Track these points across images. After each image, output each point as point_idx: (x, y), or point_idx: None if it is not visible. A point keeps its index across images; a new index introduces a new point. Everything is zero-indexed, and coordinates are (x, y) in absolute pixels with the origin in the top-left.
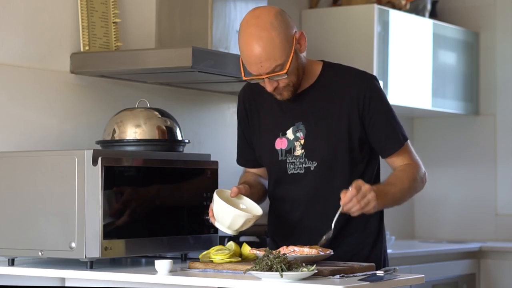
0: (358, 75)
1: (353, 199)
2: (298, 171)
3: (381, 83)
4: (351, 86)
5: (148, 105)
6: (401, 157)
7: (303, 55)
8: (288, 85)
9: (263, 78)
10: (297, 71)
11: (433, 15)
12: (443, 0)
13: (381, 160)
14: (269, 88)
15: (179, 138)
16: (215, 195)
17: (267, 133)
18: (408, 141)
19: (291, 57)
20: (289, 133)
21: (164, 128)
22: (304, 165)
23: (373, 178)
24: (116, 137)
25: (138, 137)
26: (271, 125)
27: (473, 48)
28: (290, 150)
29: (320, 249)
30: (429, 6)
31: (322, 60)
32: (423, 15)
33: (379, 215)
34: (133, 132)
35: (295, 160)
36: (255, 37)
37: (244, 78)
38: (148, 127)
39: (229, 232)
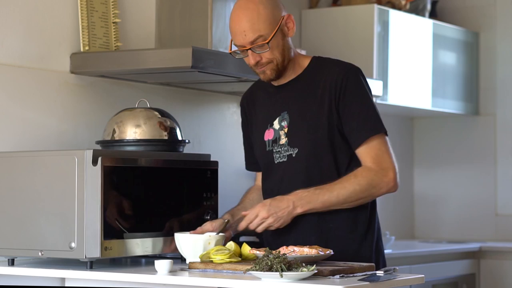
0: (340, 66)
1: (252, 223)
2: (283, 159)
3: (380, 83)
4: (331, 76)
5: (148, 105)
6: (367, 154)
7: (291, 42)
8: (271, 62)
9: (247, 49)
10: (283, 50)
11: (433, 15)
12: (443, 0)
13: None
14: (252, 61)
15: (179, 138)
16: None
17: (259, 127)
18: (386, 138)
19: (274, 31)
20: (276, 123)
21: (164, 128)
22: (287, 152)
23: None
24: (116, 137)
25: (138, 137)
26: (262, 119)
27: (473, 48)
28: (276, 140)
29: (320, 249)
30: (429, 6)
31: (314, 56)
32: (423, 15)
33: (370, 209)
34: (133, 132)
35: (280, 149)
36: (242, 8)
37: (229, 51)
38: (148, 127)
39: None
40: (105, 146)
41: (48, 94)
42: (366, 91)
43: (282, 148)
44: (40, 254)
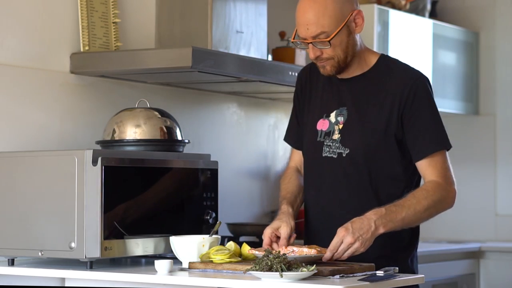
0: (408, 72)
1: (338, 251)
2: (331, 155)
3: None
4: (399, 82)
5: (148, 105)
6: (432, 167)
7: (359, 38)
8: (332, 59)
9: (307, 43)
10: (346, 48)
11: (433, 15)
12: (443, 0)
13: None
14: (311, 55)
15: (179, 138)
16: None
17: (313, 112)
18: (447, 153)
19: (339, 29)
20: (332, 116)
21: (164, 128)
22: (338, 150)
23: (412, 183)
24: (116, 137)
25: (138, 137)
26: (319, 106)
27: (473, 48)
28: (329, 133)
29: (320, 249)
30: (429, 6)
31: (382, 54)
32: (423, 15)
33: None
34: (133, 132)
35: (331, 144)
36: (311, 0)
37: (291, 40)
38: (148, 127)
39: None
40: (105, 146)
41: (48, 94)
42: (434, 103)
43: (334, 144)
44: (40, 254)
